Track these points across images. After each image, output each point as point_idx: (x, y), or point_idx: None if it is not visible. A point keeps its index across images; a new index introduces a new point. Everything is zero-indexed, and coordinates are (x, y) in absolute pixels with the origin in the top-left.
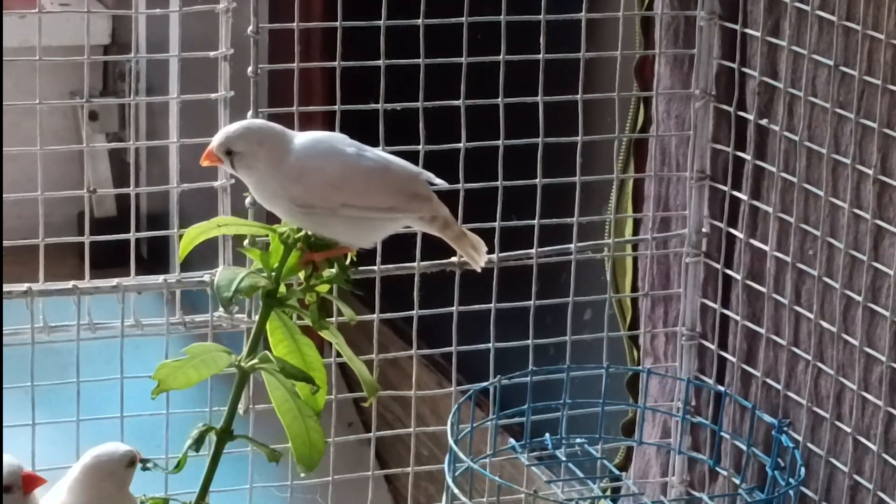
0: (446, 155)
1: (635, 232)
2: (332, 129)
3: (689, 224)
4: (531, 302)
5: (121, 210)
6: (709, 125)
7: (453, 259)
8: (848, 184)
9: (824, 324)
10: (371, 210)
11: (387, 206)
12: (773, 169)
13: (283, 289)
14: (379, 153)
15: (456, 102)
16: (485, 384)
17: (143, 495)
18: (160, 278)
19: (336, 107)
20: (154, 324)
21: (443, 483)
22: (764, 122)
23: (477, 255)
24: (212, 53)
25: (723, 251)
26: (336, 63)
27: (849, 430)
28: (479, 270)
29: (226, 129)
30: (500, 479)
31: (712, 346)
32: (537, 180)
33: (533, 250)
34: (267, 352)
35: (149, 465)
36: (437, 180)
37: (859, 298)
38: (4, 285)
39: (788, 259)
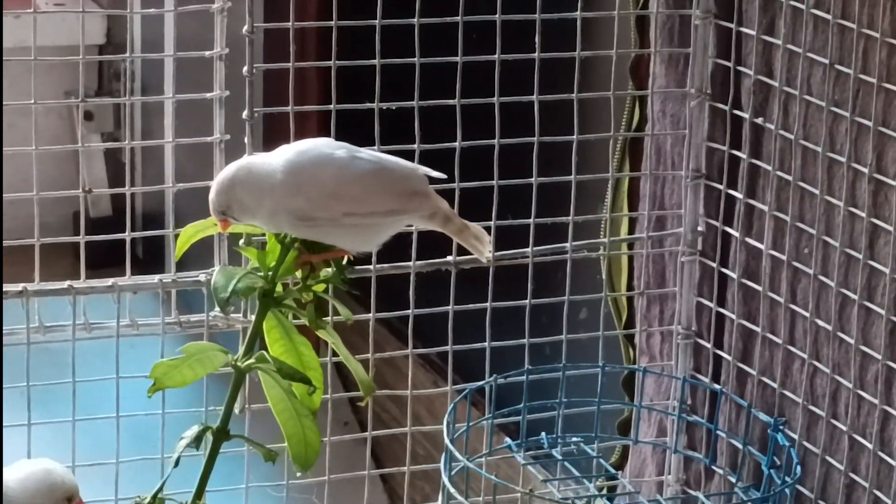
0: (442, 154)
1: (631, 231)
2: (327, 127)
3: (684, 223)
4: (527, 301)
5: (116, 210)
6: (704, 124)
7: (449, 258)
8: (843, 182)
9: (820, 322)
10: (373, 216)
11: (388, 209)
12: (769, 167)
13: (279, 288)
14: (371, 153)
15: (451, 101)
16: (481, 383)
17: (139, 495)
18: (156, 278)
19: (331, 106)
20: (150, 324)
21: (439, 482)
22: (759, 120)
23: (481, 246)
24: (207, 53)
25: (718, 250)
26: (331, 62)
27: (845, 428)
28: (484, 262)
29: (210, 199)
30: (496, 478)
31: (708, 345)
32: (533, 179)
33: (529, 249)
34: (263, 351)
35: None
36: (435, 173)
37: (855, 297)
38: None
39: (784, 258)
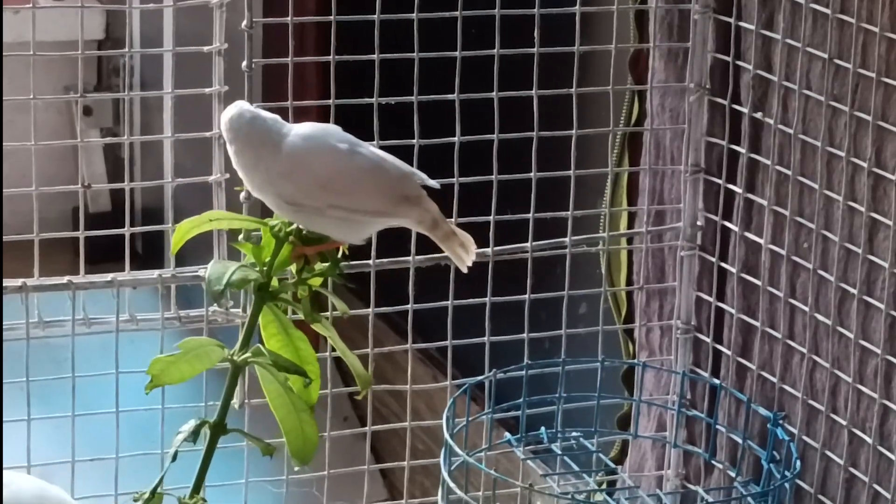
0: (441, 149)
1: (630, 225)
2: (326, 122)
3: (683, 217)
4: (526, 296)
5: (115, 205)
6: (703, 118)
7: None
8: (842, 177)
9: (819, 317)
10: (358, 212)
11: (374, 210)
12: (768, 162)
13: (275, 282)
14: (372, 150)
15: (450, 96)
16: (480, 378)
17: (137, 492)
18: (155, 273)
19: (330, 101)
20: (149, 319)
21: (438, 477)
22: (758, 115)
23: (465, 254)
24: (206, 48)
25: (718, 244)
26: (330, 57)
27: (844, 422)
28: (464, 271)
29: (221, 119)
30: (495, 473)
31: (707, 340)
32: (532, 174)
33: (528, 244)
34: (259, 345)
35: None
36: (430, 182)
37: (854, 291)
38: None
39: (783, 252)
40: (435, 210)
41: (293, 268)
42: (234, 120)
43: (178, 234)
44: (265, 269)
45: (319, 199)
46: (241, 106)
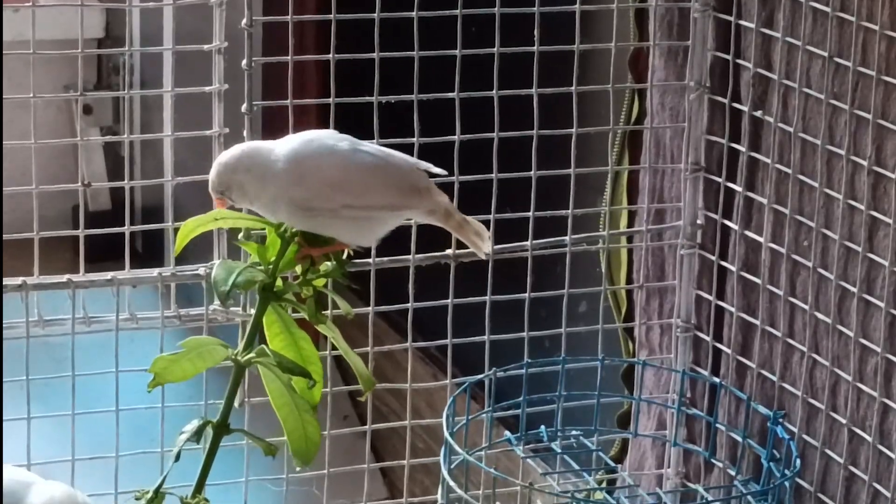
0: (441, 147)
1: (630, 224)
2: (326, 121)
3: (683, 216)
4: (526, 294)
5: (115, 203)
6: (703, 117)
7: (448, 251)
8: (842, 175)
9: (819, 315)
10: (372, 209)
11: (387, 204)
12: (768, 160)
13: (279, 283)
14: (375, 146)
15: (450, 95)
16: (480, 377)
17: (140, 489)
18: (155, 272)
19: (330, 100)
20: (149, 317)
21: (438, 475)
22: (759, 113)
23: (480, 242)
24: (206, 46)
25: (717, 243)
26: (330, 56)
27: (844, 421)
28: (483, 258)
29: (210, 177)
30: (495, 472)
31: (707, 338)
32: (532, 172)
33: (528, 243)
34: (264, 346)
35: None
36: (436, 169)
37: (854, 290)
38: None
39: (783, 250)
40: (445, 200)
41: (298, 269)
42: (234, 159)
43: (183, 232)
44: (270, 269)
45: (332, 199)
46: (220, 156)
